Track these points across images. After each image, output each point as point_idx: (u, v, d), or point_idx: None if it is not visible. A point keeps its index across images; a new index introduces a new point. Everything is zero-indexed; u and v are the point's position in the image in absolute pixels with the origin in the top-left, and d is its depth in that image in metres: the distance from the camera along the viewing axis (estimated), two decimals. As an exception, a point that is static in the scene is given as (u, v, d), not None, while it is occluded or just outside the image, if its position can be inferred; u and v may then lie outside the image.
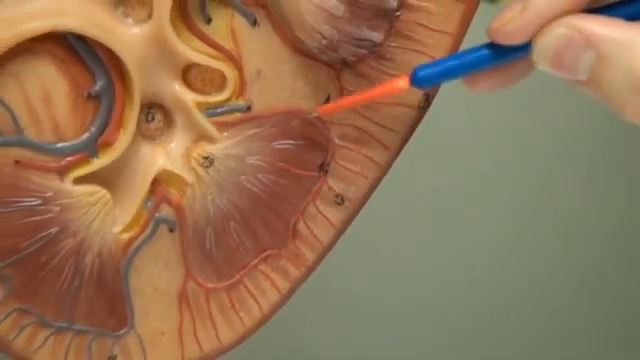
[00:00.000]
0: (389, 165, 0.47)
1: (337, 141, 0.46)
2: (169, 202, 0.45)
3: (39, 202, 0.43)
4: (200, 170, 0.45)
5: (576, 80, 0.41)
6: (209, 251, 0.46)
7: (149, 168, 0.45)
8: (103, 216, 0.44)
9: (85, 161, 0.44)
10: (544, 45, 0.41)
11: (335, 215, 0.47)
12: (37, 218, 0.43)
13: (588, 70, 0.41)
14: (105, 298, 0.45)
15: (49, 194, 0.43)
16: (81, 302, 0.45)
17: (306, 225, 0.47)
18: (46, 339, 0.45)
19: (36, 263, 0.44)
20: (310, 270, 0.48)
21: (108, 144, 0.44)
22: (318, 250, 0.47)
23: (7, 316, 0.45)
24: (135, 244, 0.45)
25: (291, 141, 0.46)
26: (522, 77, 0.45)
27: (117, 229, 0.45)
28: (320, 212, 0.47)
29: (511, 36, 0.41)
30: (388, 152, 0.46)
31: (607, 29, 0.40)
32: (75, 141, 0.43)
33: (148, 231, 0.45)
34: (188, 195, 0.45)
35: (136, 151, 0.44)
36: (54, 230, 0.43)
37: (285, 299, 0.48)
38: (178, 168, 0.45)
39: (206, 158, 0.45)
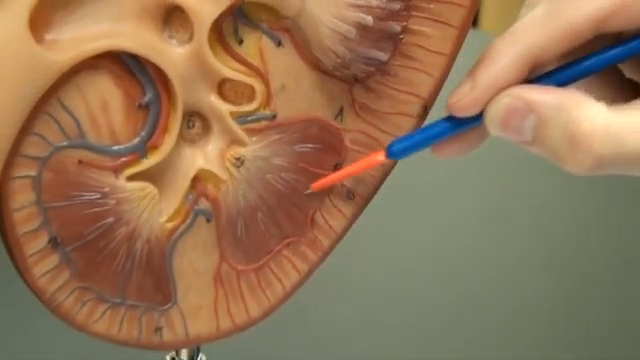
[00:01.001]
0: (392, 166, 0.49)
1: (349, 145, 0.48)
2: (206, 196, 0.47)
3: (98, 196, 0.45)
4: (233, 169, 0.47)
5: (523, 141, 0.44)
6: (240, 238, 0.48)
7: (190, 167, 0.47)
8: (151, 208, 0.46)
9: (136, 161, 0.46)
10: (493, 114, 0.44)
11: (347, 208, 0.50)
12: (97, 210, 0.45)
13: (532, 131, 0.43)
14: (152, 278, 0.48)
15: (106, 189, 0.45)
16: (133, 281, 0.47)
17: (322, 216, 0.50)
18: (104, 312, 0.48)
19: (96, 248, 0.46)
20: (325, 254, 0.50)
21: (155, 147, 0.46)
22: (332, 238, 0.50)
23: (71, 293, 0.47)
24: (178, 232, 0.47)
25: (310, 145, 0.48)
26: (481, 142, 0.48)
27: (163, 219, 0.47)
28: (334, 205, 0.49)
29: (465, 110, 0.45)
30: None
31: (543, 95, 0.43)
32: (128, 144, 0.45)
33: (189, 221, 0.47)
34: (223, 190, 0.47)
35: (179, 153, 0.47)
36: (110, 220, 0.46)
37: (304, 279, 0.50)
38: (214, 167, 0.47)
39: (238, 159, 0.47)
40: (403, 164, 0.49)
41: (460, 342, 0.99)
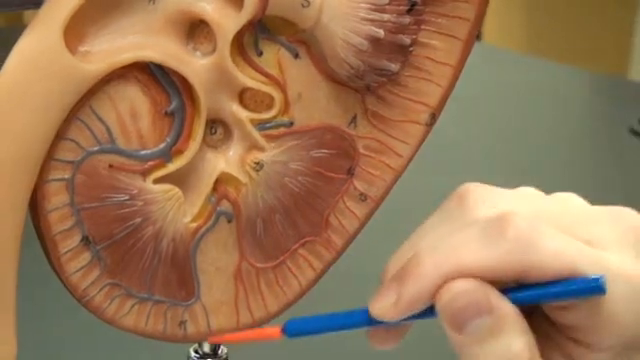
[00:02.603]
0: (403, 170, 0.51)
1: (361, 150, 0.50)
2: (228, 198, 0.48)
3: (127, 198, 0.46)
4: (252, 173, 0.48)
5: (461, 337, 0.42)
6: (259, 238, 0.49)
7: (212, 171, 0.48)
8: (176, 209, 0.47)
9: (162, 165, 0.47)
10: (449, 300, 0.42)
11: (359, 210, 0.51)
12: (126, 210, 0.47)
13: (478, 331, 0.42)
14: (177, 275, 0.49)
15: (135, 191, 0.47)
16: (158, 277, 0.48)
17: (336, 217, 0.51)
18: (131, 307, 0.49)
19: (125, 246, 0.47)
20: (339, 253, 0.51)
21: (180, 152, 0.47)
22: (345, 237, 0.51)
23: (101, 289, 0.48)
24: (201, 232, 0.48)
25: (325, 150, 0.49)
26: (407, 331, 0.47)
27: (187, 219, 0.48)
28: (347, 207, 0.50)
29: (390, 319, 0.44)
30: (401, 160, 0.50)
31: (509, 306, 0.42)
32: (155, 149, 0.47)
33: (211, 221, 0.48)
34: (243, 193, 0.48)
35: (202, 157, 0.48)
36: (138, 220, 0.47)
37: (319, 277, 0.51)
38: (235, 171, 0.48)
39: (257, 163, 0.48)
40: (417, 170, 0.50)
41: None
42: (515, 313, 0.42)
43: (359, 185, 0.51)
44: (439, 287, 0.43)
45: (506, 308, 0.42)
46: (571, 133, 1.46)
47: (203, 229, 0.49)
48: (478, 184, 0.47)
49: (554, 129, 1.54)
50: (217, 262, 0.50)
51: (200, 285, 0.50)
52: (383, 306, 0.44)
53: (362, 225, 0.51)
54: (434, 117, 0.50)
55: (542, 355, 0.44)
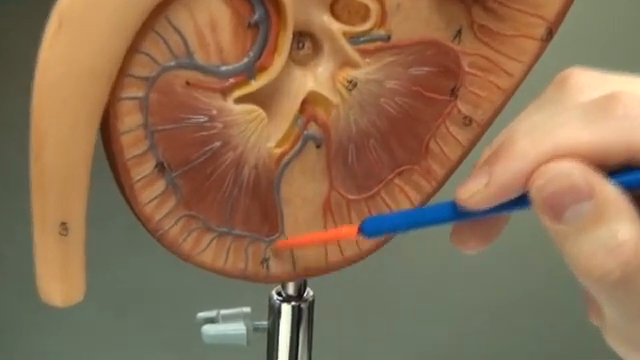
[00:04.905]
0: (513, 91, 0.47)
1: (467, 68, 0.46)
2: (316, 120, 0.46)
3: (206, 119, 0.44)
4: (344, 92, 0.45)
5: (560, 226, 0.39)
6: (351, 166, 0.47)
7: (299, 90, 0.45)
8: (259, 132, 0.45)
9: (244, 83, 0.44)
10: (542, 185, 0.39)
11: (463, 135, 0.48)
12: (204, 133, 0.44)
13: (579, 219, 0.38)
14: (260, 206, 0.46)
15: (214, 112, 0.44)
16: (239, 210, 0.46)
17: (437, 144, 0.48)
18: (210, 242, 0.46)
19: (202, 174, 0.45)
20: (440, 184, 0.48)
21: (264, 68, 0.44)
22: (447, 166, 0.48)
23: (177, 221, 0.45)
24: (286, 158, 0.46)
25: (426, 68, 0.46)
26: (502, 228, 0.44)
27: (271, 144, 0.45)
28: (450, 132, 0.47)
29: (480, 206, 0.40)
30: (512, 79, 0.47)
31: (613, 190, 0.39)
32: (236, 64, 0.44)
33: (297, 146, 0.46)
34: (333, 115, 0.46)
35: (288, 74, 0.45)
36: (217, 144, 0.44)
37: None
38: (325, 90, 0.45)
39: (350, 82, 0.45)
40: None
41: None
42: (621, 198, 0.39)
43: (463, 107, 0.48)
44: (534, 170, 0.39)
45: (610, 192, 0.38)
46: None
47: (289, 155, 0.46)
48: (583, 68, 0.43)
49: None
50: (304, 192, 0.47)
51: (285, 218, 0.47)
52: (472, 190, 0.40)
53: (466, 153, 0.48)
54: (551, 32, 0.46)
55: None
